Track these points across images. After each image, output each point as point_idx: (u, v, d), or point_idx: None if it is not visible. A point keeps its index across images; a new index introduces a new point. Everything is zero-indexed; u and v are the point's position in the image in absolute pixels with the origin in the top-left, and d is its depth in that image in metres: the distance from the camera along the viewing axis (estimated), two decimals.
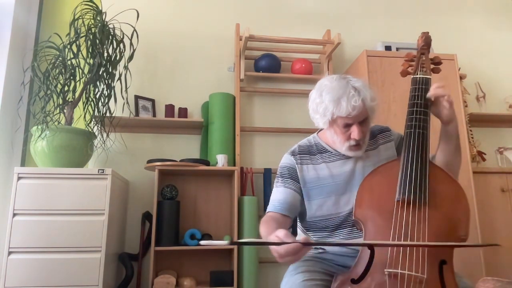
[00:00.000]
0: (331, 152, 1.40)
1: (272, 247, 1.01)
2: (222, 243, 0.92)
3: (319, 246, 1.37)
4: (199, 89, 2.94)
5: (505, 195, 2.72)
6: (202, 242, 0.91)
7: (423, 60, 1.39)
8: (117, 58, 2.40)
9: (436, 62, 1.41)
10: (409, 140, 1.24)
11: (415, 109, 1.28)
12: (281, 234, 1.01)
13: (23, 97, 2.35)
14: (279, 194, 1.36)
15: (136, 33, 2.43)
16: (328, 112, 1.26)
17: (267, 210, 1.37)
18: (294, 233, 1.53)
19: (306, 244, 1.00)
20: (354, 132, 1.27)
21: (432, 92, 1.27)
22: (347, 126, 1.28)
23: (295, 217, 1.43)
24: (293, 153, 1.42)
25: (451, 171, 1.27)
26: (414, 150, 1.22)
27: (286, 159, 1.41)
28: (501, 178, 2.75)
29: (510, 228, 2.67)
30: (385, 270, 1.05)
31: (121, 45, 2.42)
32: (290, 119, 2.99)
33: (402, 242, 1.08)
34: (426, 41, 1.42)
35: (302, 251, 0.99)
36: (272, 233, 1.05)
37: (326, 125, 1.32)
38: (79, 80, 2.31)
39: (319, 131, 1.48)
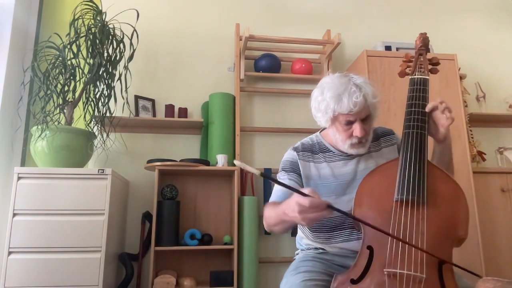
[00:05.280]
0: (333, 152, 1.40)
1: (296, 201, 1.01)
2: (255, 171, 0.96)
3: (319, 247, 1.37)
4: (199, 89, 2.94)
5: (505, 195, 2.72)
6: (236, 162, 0.97)
7: (421, 60, 1.39)
8: (117, 58, 2.40)
9: (434, 62, 1.41)
10: (407, 141, 1.25)
11: (413, 109, 1.29)
12: (307, 190, 1.02)
13: (23, 97, 2.36)
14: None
15: (136, 33, 2.43)
16: (329, 109, 1.26)
17: (270, 200, 1.36)
18: (294, 232, 1.54)
19: (330, 207, 1.01)
20: (356, 129, 1.27)
21: (430, 105, 1.27)
22: (349, 123, 1.28)
23: None
24: (296, 149, 1.43)
25: None
26: (412, 150, 1.22)
27: (289, 154, 1.43)
28: (501, 178, 2.75)
29: (510, 228, 2.66)
30: (384, 270, 1.05)
31: (121, 45, 2.42)
32: (290, 119, 3.00)
33: (404, 241, 1.08)
34: (424, 42, 1.43)
35: (323, 212, 1.01)
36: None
37: (328, 123, 1.32)
38: (79, 80, 2.31)
39: (322, 130, 1.48)
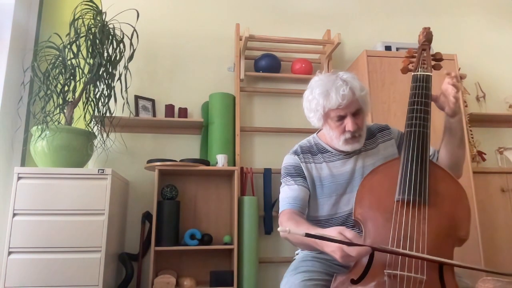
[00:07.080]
0: (331, 152, 1.40)
1: (337, 246, 0.98)
2: (300, 232, 0.95)
3: None
4: (199, 89, 2.94)
5: (505, 195, 2.72)
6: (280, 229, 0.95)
7: (424, 56, 1.37)
8: (117, 58, 2.40)
9: (438, 58, 1.39)
10: (409, 139, 1.24)
11: (415, 107, 1.28)
12: (349, 234, 0.99)
13: (23, 97, 2.36)
14: (292, 191, 1.34)
15: (136, 33, 2.43)
16: (319, 106, 1.29)
17: (283, 208, 1.33)
18: None
19: (376, 249, 1.00)
20: (348, 123, 1.28)
21: (444, 87, 1.27)
22: (341, 118, 1.29)
23: None
24: (296, 153, 1.43)
25: (456, 164, 1.28)
26: (414, 149, 1.21)
27: (290, 159, 1.42)
28: (501, 178, 2.75)
29: (510, 228, 2.66)
30: (385, 271, 1.05)
31: (121, 45, 2.42)
32: (290, 119, 2.99)
33: (411, 253, 1.07)
34: (427, 36, 1.40)
35: (365, 255, 1.03)
36: (308, 227, 1.07)
37: (321, 121, 1.33)
38: (79, 80, 2.31)
39: (319, 131, 1.49)
